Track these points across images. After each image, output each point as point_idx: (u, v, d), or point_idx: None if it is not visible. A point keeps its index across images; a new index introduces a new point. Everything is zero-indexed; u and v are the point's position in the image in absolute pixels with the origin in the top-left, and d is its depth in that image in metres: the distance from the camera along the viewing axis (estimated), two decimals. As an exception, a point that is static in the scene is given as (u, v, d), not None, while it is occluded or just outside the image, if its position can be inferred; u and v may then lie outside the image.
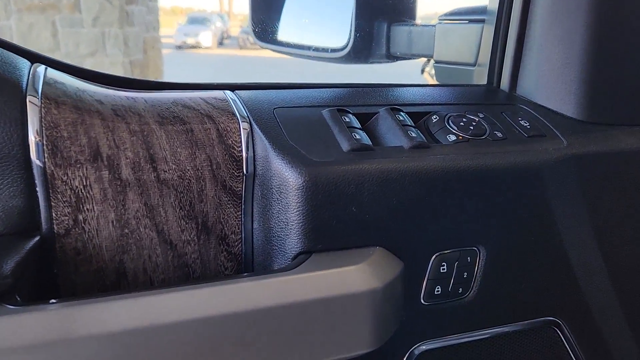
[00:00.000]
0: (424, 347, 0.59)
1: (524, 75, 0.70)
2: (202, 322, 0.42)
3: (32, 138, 0.46)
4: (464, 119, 0.60)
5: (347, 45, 0.98)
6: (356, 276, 0.48)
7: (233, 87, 0.61)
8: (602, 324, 0.66)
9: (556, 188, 0.59)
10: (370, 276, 0.48)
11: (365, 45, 0.99)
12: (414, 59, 1.00)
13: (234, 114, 0.54)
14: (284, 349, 0.45)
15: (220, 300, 0.43)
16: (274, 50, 1.13)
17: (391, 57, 0.99)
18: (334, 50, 1.01)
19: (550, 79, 0.67)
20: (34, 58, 0.54)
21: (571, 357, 0.66)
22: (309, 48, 1.07)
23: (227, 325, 0.43)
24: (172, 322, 0.42)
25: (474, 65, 0.80)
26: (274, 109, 0.57)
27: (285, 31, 1.09)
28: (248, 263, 0.57)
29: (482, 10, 0.78)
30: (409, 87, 0.69)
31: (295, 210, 0.50)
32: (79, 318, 0.40)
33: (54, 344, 0.39)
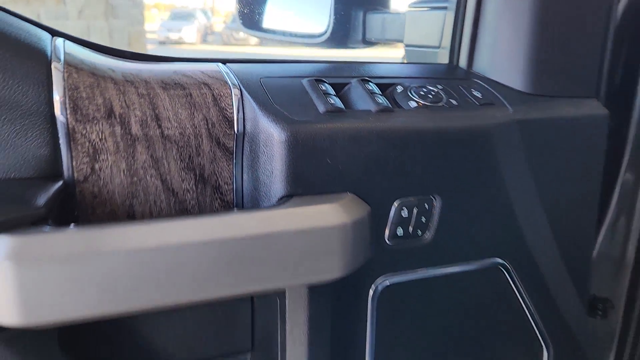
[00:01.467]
0: (387, 281, 0.66)
1: (479, 55, 0.79)
2: (200, 246, 0.48)
3: (57, 97, 0.53)
4: (424, 89, 0.69)
5: (327, 31, 1.05)
6: (329, 213, 0.55)
7: (225, 61, 0.69)
8: (542, 266, 0.75)
9: (502, 148, 0.68)
10: (341, 214, 0.56)
11: (344, 31, 1.06)
12: (387, 43, 1.08)
13: (226, 82, 0.62)
14: (266, 271, 0.52)
15: (215, 227, 0.50)
16: (259, 37, 1.20)
17: (367, 43, 1.07)
18: (315, 36, 1.08)
19: (501, 57, 0.76)
20: (53, 32, 0.62)
21: (516, 295, 0.75)
22: (291, 34, 1.14)
23: (221, 248, 0.50)
24: (175, 244, 0.48)
25: (438, 47, 0.88)
26: (261, 78, 0.64)
27: (270, 18, 1.16)
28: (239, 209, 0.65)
29: (446, -2, 0.87)
30: (378, 64, 0.78)
31: (279, 160, 0.57)
32: (100, 237, 0.46)
33: (80, 256, 0.45)
